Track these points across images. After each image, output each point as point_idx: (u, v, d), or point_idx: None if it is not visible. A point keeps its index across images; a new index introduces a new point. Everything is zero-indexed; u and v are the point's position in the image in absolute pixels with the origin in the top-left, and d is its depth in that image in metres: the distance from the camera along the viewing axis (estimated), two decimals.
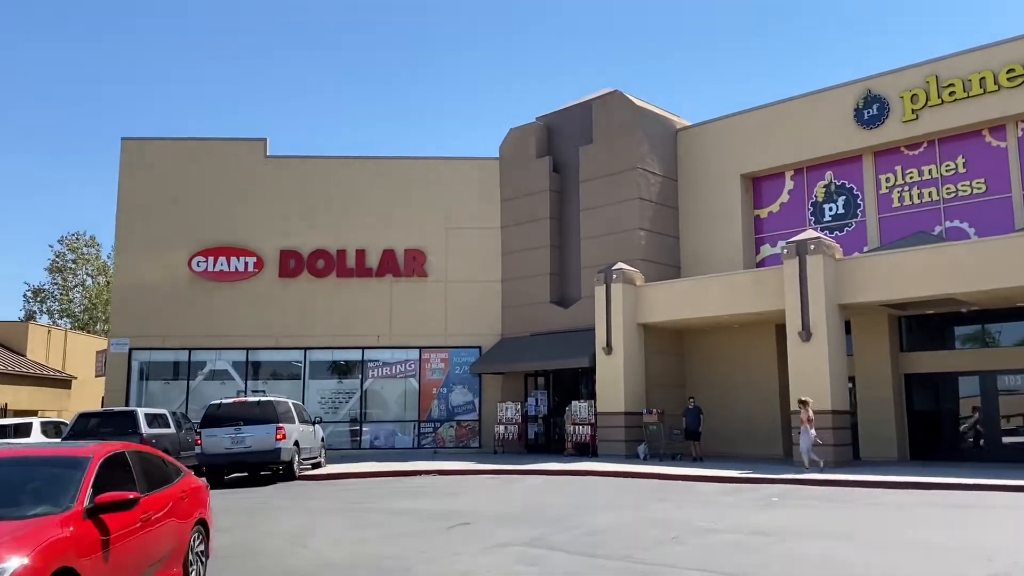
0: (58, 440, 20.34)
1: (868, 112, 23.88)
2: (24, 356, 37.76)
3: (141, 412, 20.42)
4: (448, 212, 29.38)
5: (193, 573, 7.57)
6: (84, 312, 55.53)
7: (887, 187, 24.06)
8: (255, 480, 20.03)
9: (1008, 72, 21.60)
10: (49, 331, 41.37)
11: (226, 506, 14.62)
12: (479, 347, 28.87)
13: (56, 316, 54.68)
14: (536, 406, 27.73)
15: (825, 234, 23.19)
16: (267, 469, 19.85)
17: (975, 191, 22.57)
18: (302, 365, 28.99)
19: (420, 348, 28.93)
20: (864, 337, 23.03)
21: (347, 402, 28.98)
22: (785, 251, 21.49)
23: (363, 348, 28.92)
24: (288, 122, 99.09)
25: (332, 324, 28.65)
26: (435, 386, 28.92)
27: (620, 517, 12.48)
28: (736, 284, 23.04)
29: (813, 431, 19.07)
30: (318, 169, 29.83)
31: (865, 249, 23.50)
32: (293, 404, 21.24)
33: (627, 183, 26.34)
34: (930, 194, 23.30)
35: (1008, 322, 21.85)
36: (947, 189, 23.01)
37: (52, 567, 4.98)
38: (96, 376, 38.42)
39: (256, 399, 20.46)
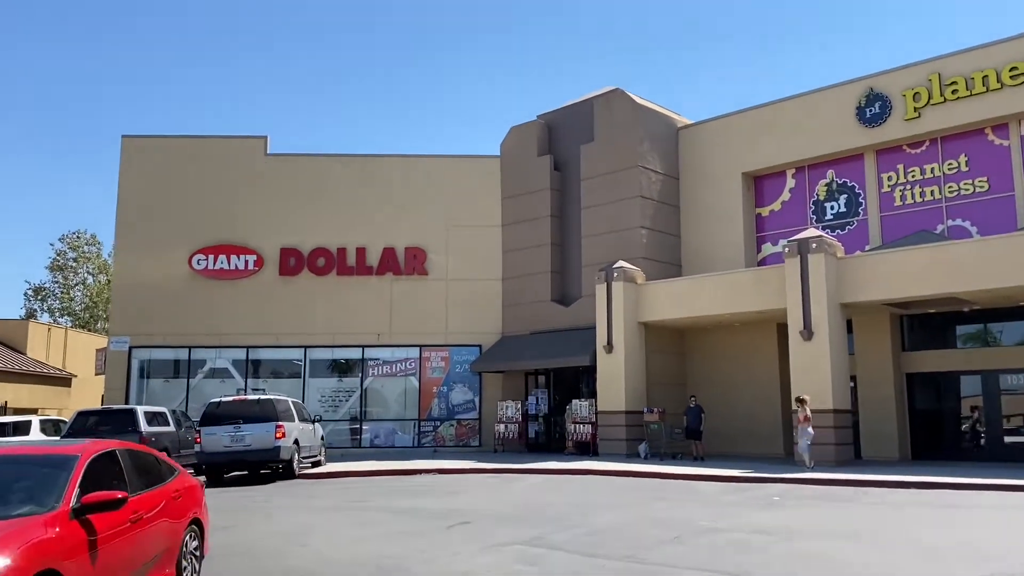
0: (55, 438, 20.28)
1: (870, 110, 23.80)
2: (24, 354, 37.72)
3: (140, 410, 20.35)
4: (449, 210, 29.32)
5: (187, 573, 7.48)
6: (85, 310, 55.52)
7: (889, 185, 23.99)
8: (255, 479, 19.97)
9: (1011, 70, 21.51)
10: (49, 329, 41.34)
11: (225, 504, 14.57)
12: (479, 345, 28.81)
13: (57, 314, 54.68)
14: (536, 405, 27.66)
15: (827, 233, 23.11)
16: (267, 468, 19.78)
17: (977, 190, 22.49)
18: (302, 363, 28.95)
19: (420, 346, 28.88)
20: (866, 336, 22.96)
21: (347, 400, 28.94)
22: (787, 250, 21.43)
23: (363, 346, 28.87)
24: (289, 120, 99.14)
25: (332, 322, 28.60)
26: (435, 384, 28.87)
27: (621, 516, 12.42)
28: (737, 283, 22.97)
29: (811, 429, 19.04)
30: (319, 167, 29.79)
31: (867, 248, 23.43)
32: (293, 402, 21.18)
33: (628, 181, 26.27)
34: (932, 193, 23.22)
35: (1010, 321, 21.77)
36: (949, 188, 22.93)
37: (35, 568, 4.89)
38: (96, 374, 38.42)
39: (256, 397, 20.42)
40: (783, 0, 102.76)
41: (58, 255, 54.94)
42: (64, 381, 39.25)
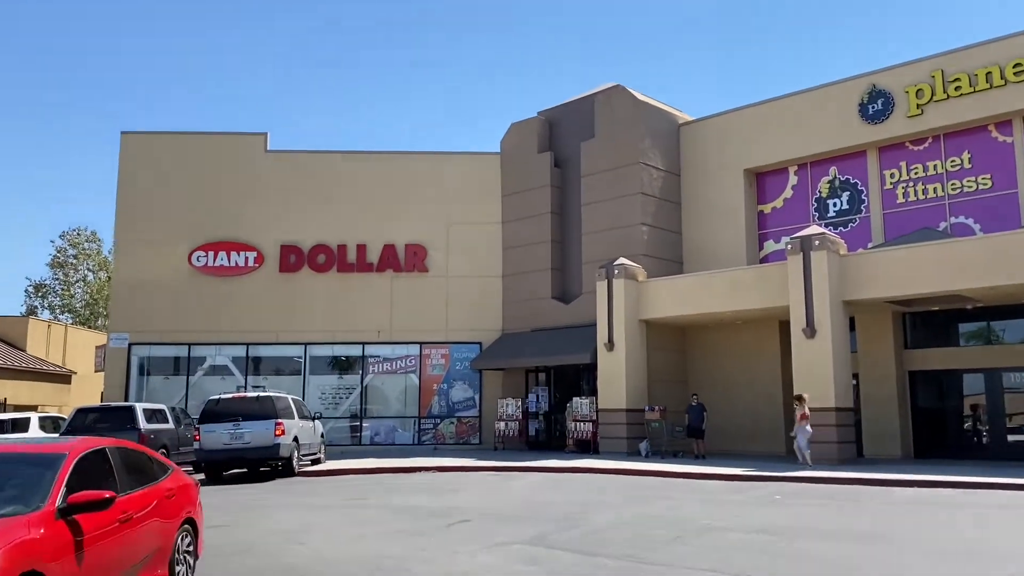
0: (54, 435, 20.20)
1: (873, 107, 23.68)
2: (24, 351, 37.68)
3: (139, 407, 20.30)
4: (449, 207, 29.22)
5: (180, 574, 7.36)
6: (85, 307, 55.49)
7: (892, 183, 23.87)
8: (254, 476, 19.88)
9: (1015, 67, 21.38)
10: (49, 326, 41.30)
11: (224, 503, 14.50)
12: (480, 343, 28.72)
13: (57, 311, 54.65)
14: (537, 402, 27.57)
15: (829, 230, 23.00)
16: (266, 465, 19.68)
17: (981, 187, 22.37)
18: (302, 360, 28.88)
19: (420, 344, 28.79)
20: (868, 334, 22.85)
21: (347, 398, 28.86)
22: (789, 247, 21.31)
23: (363, 344, 28.79)
24: (289, 116, 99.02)
25: (333, 319, 28.52)
26: (435, 382, 28.79)
27: (622, 515, 12.32)
28: (739, 280, 22.85)
29: (809, 428, 18.94)
30: (319, 163, 29.70)
31: (869, 245, 23.32)
32: (293, 400, 21.09)
33: (629, 178, 26.15)
34: (935, 190, 23.10)
35: (1013, 319, 21.66)
36: (952, 185, 22.81)
37: (18, 570, 4.77)
38: (95, 371, 38.34)
39: (255, 394, 20.34)
40: None
41: (59, 252, 54.94)
42: (64, 378, 39.22)
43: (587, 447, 24.49)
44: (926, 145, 23.37)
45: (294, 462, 19.74)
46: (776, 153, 25.63)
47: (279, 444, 19.05)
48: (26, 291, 54.90)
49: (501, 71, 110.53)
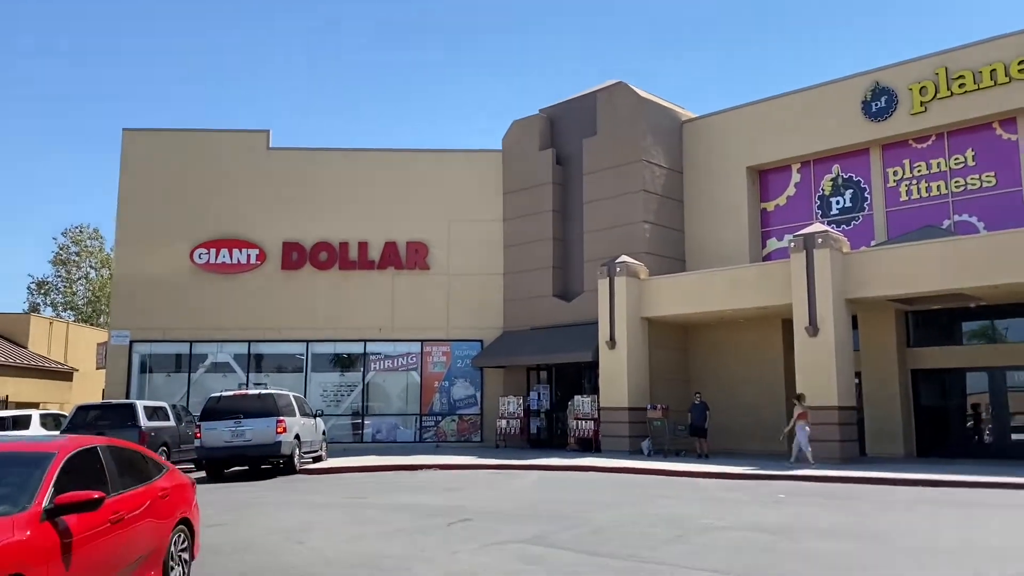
0: (54, 433, 20.17)
1: (876, 104, 23.57)
2: (26, 348, 37.65)
3: (140, 405, 20.26)
4: (450, 205, 29.17)
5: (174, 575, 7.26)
6: (87, 305, 55.48)
7: (895, 180, 23.76)
8: (255, 474, 19.83)
9: (1019, 64, 21.26)
10: (51, 323, 41.28)
11: (224, 500, 14.47)
12: (481, 340, 28.67)
13: (60, 308, 54.66)
14: (538, 400, 27.50)
15: (832, 228, 22.89)
16: (267, 463, 19.64)
17: (984, 184, 22.26)
18: (304, 358, 28.85)
19: (422, 341, 28.76)
20: (871, 332, 22.75)
21: (349, 395, 28.84)
22: (792, 245, 21.22)
23: (365, 341, 28.77)
24: (290, 114, 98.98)
25: (334, 317, 28.50)
26: (437, 379, 28.75)
27: (624, 514, 12.26)
28: (742, 278, 22.76)
29: (808, 427, 18.85)
30: (321, 161, 29.67)
31: (872, 243, 23.22)
32: (294, 397, 21.03)
33: (631, 175, 26.06)
34: (939, 188, 23.00)
35: (1016, 318, 21.57)
36: (956, 182, 22.70)
37: (2, 573, 4.66)
38: (97, 368, 38.30)
39: (257, 392, 20.27)
40: None
41: (61, 249, 54.95)
42: (65, 375, 39.20)
43: (589, 445, 24.42)
44: (929, 143, 23.26)
45: (295, 460, 19.69)
46: (779, 151, 25.53)
47: (280, 442, 18.99)
48: (28, 288, 54.93)
49: (503, 69, 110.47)
